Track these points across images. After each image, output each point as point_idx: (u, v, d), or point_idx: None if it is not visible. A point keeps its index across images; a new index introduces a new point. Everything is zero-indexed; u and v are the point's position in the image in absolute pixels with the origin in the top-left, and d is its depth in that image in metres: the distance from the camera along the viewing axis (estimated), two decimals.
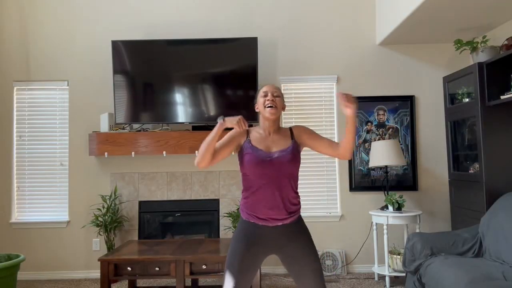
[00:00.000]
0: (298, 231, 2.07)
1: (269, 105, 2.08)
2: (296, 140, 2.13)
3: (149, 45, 4.18)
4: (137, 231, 4.29)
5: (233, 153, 2.16)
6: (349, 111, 1.95)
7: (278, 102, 2.10)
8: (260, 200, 2.02)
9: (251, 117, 4.12)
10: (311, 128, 4.38)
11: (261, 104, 2.12)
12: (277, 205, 2.01)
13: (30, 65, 4.40)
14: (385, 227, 3.84)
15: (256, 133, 2.15)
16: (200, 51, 4.17)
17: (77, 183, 4.34)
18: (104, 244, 4.27)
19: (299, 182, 4.23)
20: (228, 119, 2.03)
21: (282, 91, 4.43)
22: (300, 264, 2.02)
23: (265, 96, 2.11)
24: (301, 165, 4.28)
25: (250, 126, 2.22)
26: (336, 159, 4.40)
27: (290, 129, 2.18)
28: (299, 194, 4.24)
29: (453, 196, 3.92)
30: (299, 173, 4.14)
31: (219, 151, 2.07)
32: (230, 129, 2.09)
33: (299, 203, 2.11)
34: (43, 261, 4.30)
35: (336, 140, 4.41)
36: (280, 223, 2.03)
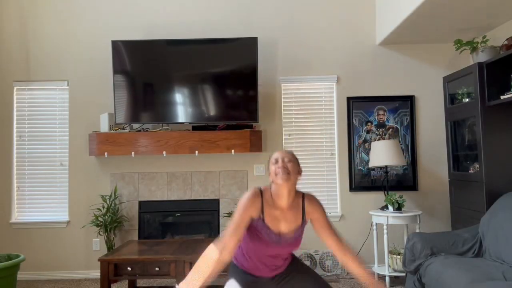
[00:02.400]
0: (295, 269, 2.09)
1: (277, 172, 1.88)
2: (306, 219, 1.99)
3: (149, 45, 4.18)
4: (137, 231, 4.29)
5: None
6: None
7: (291, 168, 1.89)
8: (257, 265, 2.02)
9: (251, 118, 4.13)
10: (311, 134, 4.39)
11: (272, 172, 1.91)
12: (274, 268, 2.04)
13: (30, 65, 4.40)
14: (385, 227, 3.84)
15: (270, 206, 1.94)
16: (200, 51, 4.17)
17: (77, 183, 4.34)
18: (104, 244, 4.27)
19: (299, 182, 4.23)
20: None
21: (282, 91, 4.43)
22: (304, 283, 2.04)
23: (276, 163, 1.91)
24: (301, 165, 4.30)
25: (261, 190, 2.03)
26: (336, 159, 4.40)
27: (303, 199, 1.99)
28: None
29: (453, 196, 3.92)
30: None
31: (236, 235, 1.86)
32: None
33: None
34: (43, 261, 4.30)
35: (336, 142, 4.40)
36: (275, 273, 2.07)
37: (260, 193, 1.94)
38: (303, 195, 2.01)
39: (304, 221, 1.98)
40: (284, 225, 1.95)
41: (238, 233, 1.86)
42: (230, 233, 1.86)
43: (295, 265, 2.11)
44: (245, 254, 2.03)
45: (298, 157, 2.14)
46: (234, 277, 2.06)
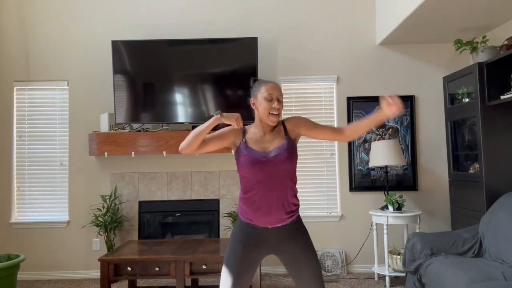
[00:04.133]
0: (298, 232, 2.04)
1: (273, 113, 1.98)
2: (290, 136, 2.05)
3: (149, 45, 4.18)
4: (137, 231, 4.29)
5: (232, 152, 2.13)
6: (392, 111, 1.86)
7: (281, 110, 2.01)
8: (258, 204, 1.97)
9: (251, 117, 4.11)
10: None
11: (264, 108, 1.99)
12: (276, 206, 1.97)
13: (30, 65, 4.40)
14: (385, 227, 3.84)
15: (252, 133, 2.07)
16: (200, 51, 4.17)
17: (77, 183, 4.34)
18: (104, 244, 4.27)
19: (299, 182, 4.23)
20: (226, 114, 1.98)
21: (282, 91, 4.42)
22: (299, 265, 2.00)
23: (270, 100, 1.99)
24: (301, 165, 4.30)
25: (246, 125, 2.16)
26: (336, 159, 4.40)
27: (283, 123, 2.09)
28: (299, 194, 4.25)
29: (453, 196, 3.92)
30: (298, 173, 4.14)
31: (209, 142, 2.03)
32: (226, 125, 2.05)
33: (298, 202, 2.07)
34: (43, 261, 4.30)
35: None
36: (279, 225, 2.00)
37: (243, 127, 2.09)
38: (283, 121, 2.10)
39: (288, 137, 2.03)
40: (267, 145, 2.02)
41: (215, 140, 2.04)
42: (211, 136, 2.05)
43: (302, 240, 2.03)
44: (248, 195, 2.01)
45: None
46: (236, 231, 2.06)
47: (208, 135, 2.03)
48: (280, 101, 2.01)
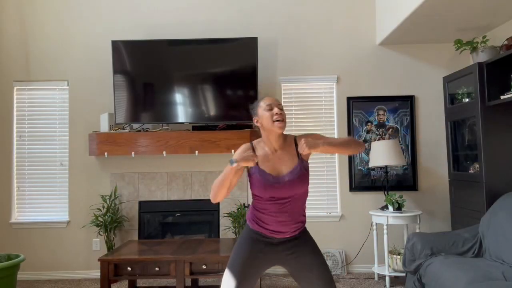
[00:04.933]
0: (304, 241, 2.05)
1: (278, 119, 1.95)
2: (302, 157, 2.01)
3: (149, 45, 4.18)
4: (137, 231, 4.29)
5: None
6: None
7: (284, 115, 2.00)
8: (268, 222, 2.00)
9: (251, 118, 4.11)
10: (311, 129, 4.39)
11: (267, 118, 1.96)
12: (286, 223, 1.99)
13: (30, 65, 4.40)
14: (385, 227, 3.84)
15: (261, 149, 2.02)
16: (200, 51, 4.17)
17: (77, 183, 4.34)
18: (104, 244, 4.27)
19: None
20: (239, 158, 1.88)
21: (282, 91, 4.44)
22: (309, 273, 1.99)
23: (271, 109, 1.97)
24: None
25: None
26: (336, 159, 4.40)
27: (295, 140, 2.04)
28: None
29: (453, 196, 3.92)
30: None
31: (235, 176, 1.98)
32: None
33: (305, 218, 2.09)
34: (43, 261, 4.30)
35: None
36: (288, 236, 2.02)
37: (251, 145, 2.05)
38: (295, 137, 2.07)
39: (300, 159, 1.99)
40: (279, 166, 1.98)
41: (237, 173, 1.97)
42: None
43: (309, 248, 2.03)
44: (259, 212, 2.02)
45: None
46: (243, 235, 2.06)
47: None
48: (280, 109, 1.99)
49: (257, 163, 1.98)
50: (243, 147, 2.03)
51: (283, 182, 1.95)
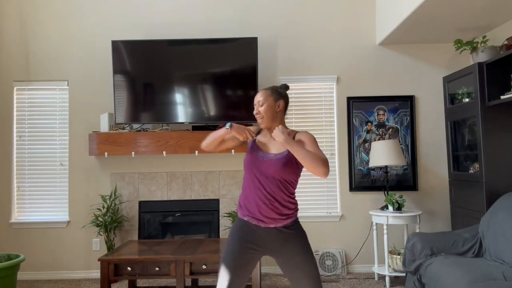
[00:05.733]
0: (293, 236, 2.05)
1: (257, 117, 2.13)
2: None
3: (149, 45, 4.18)
4: (137, 231, 4.29)
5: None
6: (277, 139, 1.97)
7: (263, 111, 2.10)
8: (250, 198, 2.05)
9: (252, 118, 4.12)
10: (311, 129, 4.40)
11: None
12: (265, 204, 2.01)
13: (30, 65, 4.40)
14: (385, 227, 3.84)
15: (263, 136, 2.20)
16: (200, 51, 4.17)
17: (77, 183, 4.34)
18: (104, 244, 4.27)
19: (300, 182, 4.23)
20: (236, 126, 2.06)
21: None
22: (295, 269, 2.01)
23: (255, 107, 2.15)
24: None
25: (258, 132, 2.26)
26: (336, 159, 4.40)
27: (295, 135, 2.13)
28: (299, 193, 4.25)
29: (453, 196, 3.92)
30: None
31: (227, 141, 2.19)
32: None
33: (294, 206, 2.07)
34: (43, 261, 4.30)
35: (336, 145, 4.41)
36: (272, 225, 2.02)
37: (258, 129, 2.23)
38: (297, 132, 2.15)
39: (288, 151, 2.03)
40: (271, 147, 2.11)
41: (226, 141, 2.20)
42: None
43: (298, 244, 2.04)
44: (244, 191, 2.11)
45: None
46: (233, 227, 2.12)
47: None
48: (260, 106, 2.11)
49: (255, 141, 2.16)
50: (252, 127, 2.21)
51: (267, 158, 2.05)
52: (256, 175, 2.04)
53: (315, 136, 4.39)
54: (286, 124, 2.24)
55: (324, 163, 1.91)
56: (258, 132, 2.24)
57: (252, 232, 2.05)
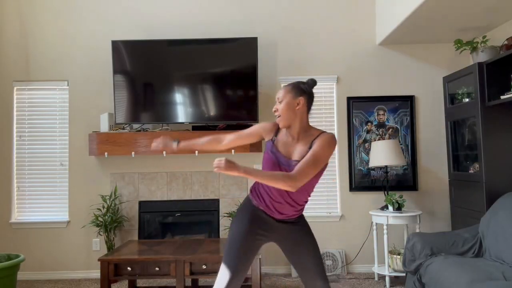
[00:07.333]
0: (300, 225, 2.14)
1: (275, 114, 2.03)
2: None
3: (149, 45, 4.18)
4: (137, 231, 4.29)
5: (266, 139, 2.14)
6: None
7: (281, 109, 1.98)
8: (272, 195, 2.04)
9: (251, 118, 4.13)
10: None
11: None
12: (287, 204, 2.04)
13: (30, 65, 4.40)
14: (385, 227, 3.84)
15: (283, 134, 2.06)
16: (200, 51, 4.17)
17: (77, 183, 4.34)
18: (104, 244, 4.27)
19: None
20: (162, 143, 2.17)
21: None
22: (300, 257, 2.09)
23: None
24: None
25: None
26: (336, 159, 4.39)
27: (318, 135, 2.00)
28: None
29: (453, 196, 3.92)
30: None
31: (241, 139, 2.14)
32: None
33: (306, 202, 2.15)
34: (43, 261, 4.30)
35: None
36: (285, 218, 2.08)
37: (277, 126, 2.09)
38: (321, 133, 2.02)
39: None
40: (291, 151, 2.00)
41: (243, 138, 2.13)
42: (239, 134, 2.14)
43: (303, 229, 2.12)
44: (261, 186, 2.07)
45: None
46: (245, 209, 2.09)
47: (241, 132, 2.15)
48: (279, 102, 2.02)
49: (274, 140, 2.05)
50: (270, 122, 2.12)
51: (290, 166, 1.97)
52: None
53: None
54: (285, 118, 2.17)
55: (284, 179, 1.81)
56: (277, 130, 2.08)
57: (265, 220, 2.08)
